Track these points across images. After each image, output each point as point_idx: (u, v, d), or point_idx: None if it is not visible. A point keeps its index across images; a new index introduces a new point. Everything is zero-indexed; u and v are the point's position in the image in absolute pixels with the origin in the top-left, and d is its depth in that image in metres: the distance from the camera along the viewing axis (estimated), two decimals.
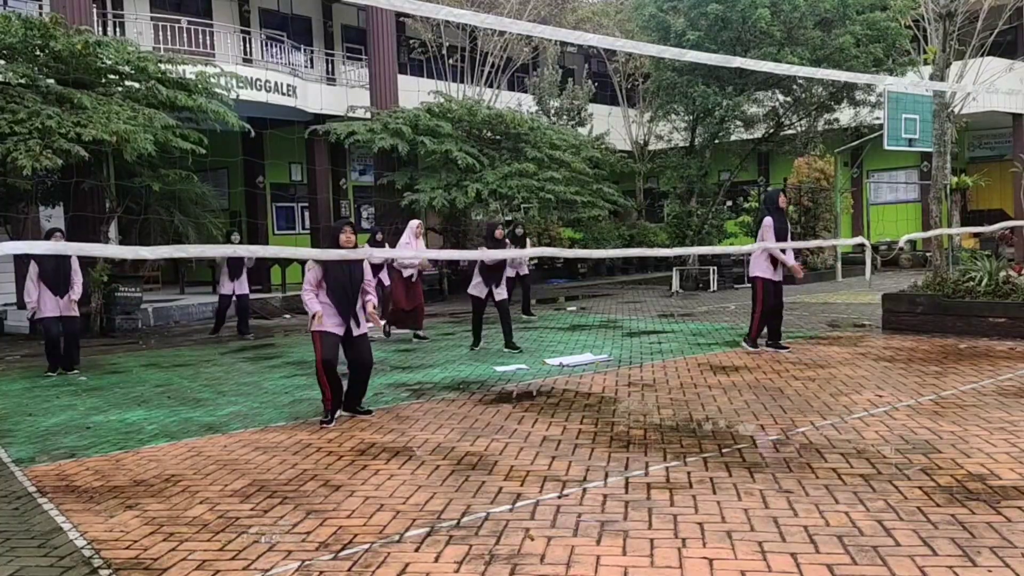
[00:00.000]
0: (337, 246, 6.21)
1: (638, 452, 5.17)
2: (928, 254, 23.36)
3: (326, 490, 4.64)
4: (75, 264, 9.36)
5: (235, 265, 12.62)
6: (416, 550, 3.70)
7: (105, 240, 13.65)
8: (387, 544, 3.79)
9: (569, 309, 15.12)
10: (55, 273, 9.18)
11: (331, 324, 6.30)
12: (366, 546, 3.78)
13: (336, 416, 6.38)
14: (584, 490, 4.45)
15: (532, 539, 3.76)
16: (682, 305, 15.04)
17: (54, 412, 7.27)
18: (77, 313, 9.55)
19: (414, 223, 11.23)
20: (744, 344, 9.22)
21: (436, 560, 3.58)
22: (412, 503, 4.35)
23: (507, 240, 11.35)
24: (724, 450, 5.13)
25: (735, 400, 6.57)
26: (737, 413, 6.13)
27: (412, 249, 11.03)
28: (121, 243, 15.29)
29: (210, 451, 5.65)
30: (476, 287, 10.03)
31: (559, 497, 4.35)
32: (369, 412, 6.60)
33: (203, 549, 3.82)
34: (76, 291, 9.38)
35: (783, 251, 8.94)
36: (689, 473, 4.67)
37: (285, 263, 17.34)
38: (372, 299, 6.54)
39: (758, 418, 5.93)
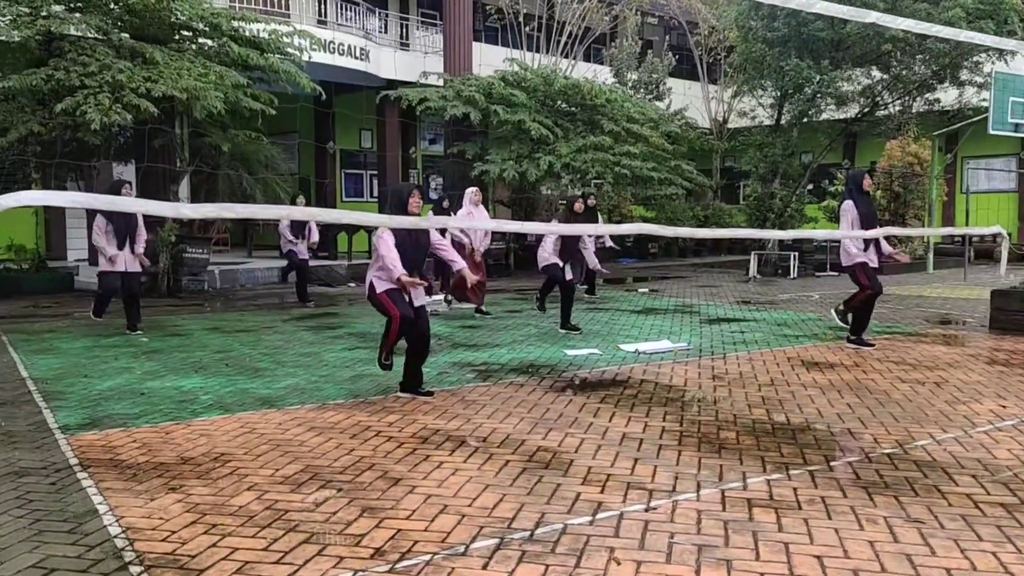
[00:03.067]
0: (405, 212, 5.78)
1: (732, 459, 4.59)
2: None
3: (384, 483, 4.19)
4: (140, 218, 9.17)
5: (298, 229, 12.24)
6: (484, 567, 3.21)
7: (175, 199, 13.51)
8: (451, 556, 3.31)
9: (640, 291, 14.48)
10: (125, 226, 8.98)
11: (394, 290, 5.90)
12: (427, 557, 3.30)
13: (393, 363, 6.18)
14: (674, 503, 3.90)
15: (619, 563, 3.24)
16: (761, 292, 14.25)
17: (110, 375, 7.02)
18: (140, 269, 9.38)
19: (471, 191, 10.73)
20: (837, 318, 8.49)
21: None
22: (479, 506, 3.87)
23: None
24: (832, 463, 4.51)
25: (836, 403, 5.91)
26: (841, 418, 5.48)
27: (474, 219, 10.54)
28: (192, 201, 15.20)
29: (264, 428, 5.27)
30: (549, 260, 9.42)
31: (646, 510, 3.81)
32: (430, 394, 6.15)
33: (247, 547, 3.40)
34: (140, 245, 9.20)
35: (874, 239, 8.18)
36: (795, 490, 4.07)
37: (352, 230, 17.06)
38: (457, 263, 6.26)
39: (866, 426, 5.28)
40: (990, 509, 3.82)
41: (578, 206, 9.41)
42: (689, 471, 4.38)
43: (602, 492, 4.05)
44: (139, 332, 9.20)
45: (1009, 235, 23.45)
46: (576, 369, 7.23)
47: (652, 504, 3.89)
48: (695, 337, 9.01)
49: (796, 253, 17.36)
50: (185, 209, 2.63)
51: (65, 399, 6.13)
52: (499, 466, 4.46)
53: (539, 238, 18.46)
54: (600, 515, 3.74)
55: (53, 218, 17.00)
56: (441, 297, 12.09)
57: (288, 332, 9.58)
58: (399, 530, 3.58)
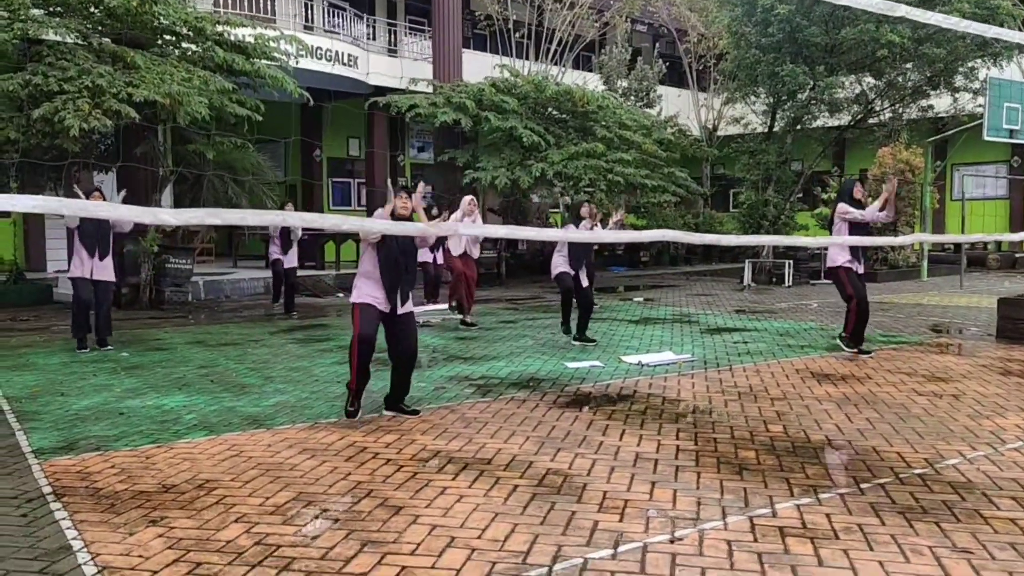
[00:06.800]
0: (392, 215, 5.50)
1: (755, 481, 4.30)
2: (1017, 255, 21.84)
3: (384, 512, 3.88)
4: (111, 225, 8.85)
5: (285, 237, 12.09)
6: None
7: (158, 207, 13.12)
8: None
9: (636, 300, 14.22)
10: (95, 233, 8.63)
11: (374, 298, 5.55)
12: None
13: (360, 409, 5.68)
14: (701, 533, 3.60)
15: None
16: (758, 300, 14.02)
17: (88, 392, 6.66)
18: (112, 279, 8.96)
19: (467, 199, 10.54)
20: (841, 343, 8.27)
21: None
22: (489, 538, 3.56)
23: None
24: (863, 485, 4.23)
25: (855, 418, 5.64)
26: (863, 434, 5.20)
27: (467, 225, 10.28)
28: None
29: (251, 450, 4.94)
30: (559, 268, 9.17)
31: (671, 541, 3.51)
32: (416, 412, 5.81)
33: None
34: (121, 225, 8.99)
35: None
36: (829, 516, 3.79)
37: (340, 239, 16.72)
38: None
39: (891, 443, 5.00)
40: None
41: (584, 211, 9.15)
42: (712, 495, 4.09)
43: (621, 520, 3.75)
44: (109, 348, 8.80)
45: (998, 244, 23.31)
46: (579, 383, 6.94)
47: (677, 534, 3.59)
48: (698, 348, 8.74)
49: (791, 261, 17.15)
50: (165, 215, 2.34)
51: (40, 420, 5.77)
52: (507, 492, 4.15)
53: (530, 246, 18.04)
54: (623, 548, 3.44)
55: (32, 228, 16.57)
56: (433, 307, 11.78)
57: (276, 345, 9.23)
58: (403, 567, 3.27)
